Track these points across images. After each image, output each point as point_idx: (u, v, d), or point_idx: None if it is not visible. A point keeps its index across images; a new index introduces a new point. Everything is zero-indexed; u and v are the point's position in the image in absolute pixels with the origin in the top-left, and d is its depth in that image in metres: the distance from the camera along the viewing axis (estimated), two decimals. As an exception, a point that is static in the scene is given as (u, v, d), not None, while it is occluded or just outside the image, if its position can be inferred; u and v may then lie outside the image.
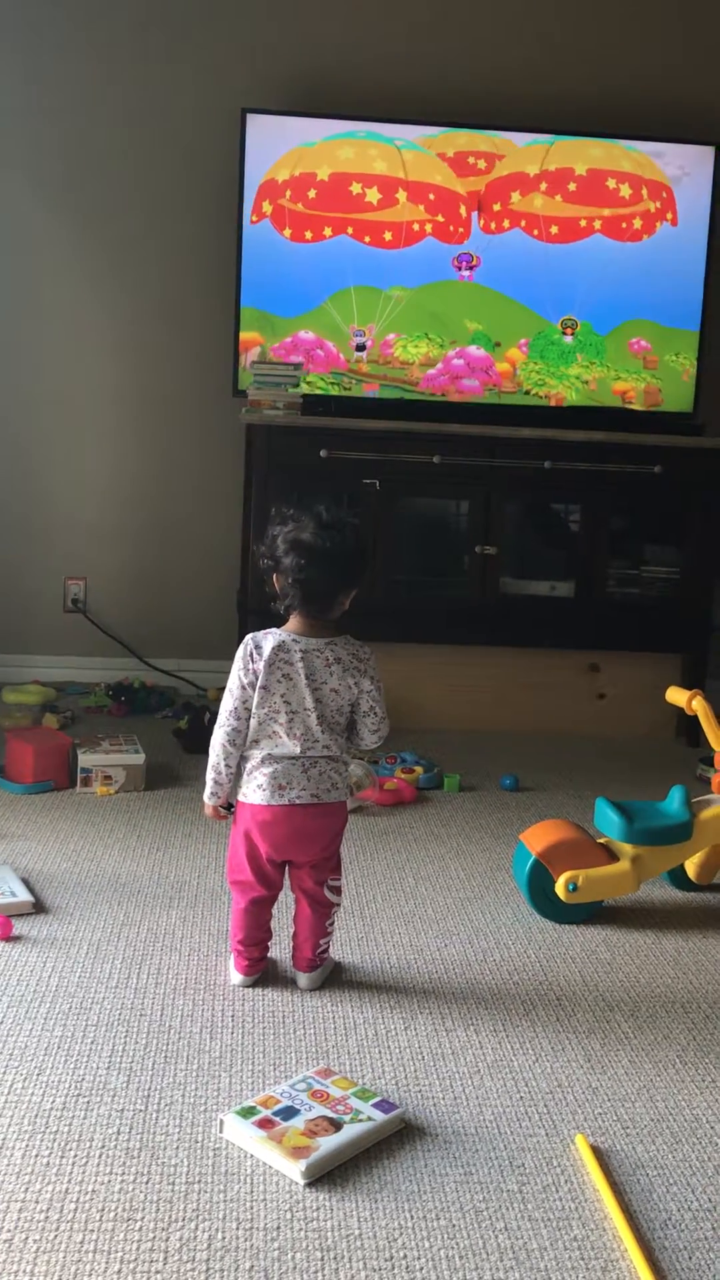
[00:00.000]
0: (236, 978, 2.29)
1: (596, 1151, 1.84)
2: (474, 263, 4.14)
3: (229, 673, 2.26)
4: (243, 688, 2.22)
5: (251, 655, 2.21)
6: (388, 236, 4.09)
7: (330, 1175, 1.75)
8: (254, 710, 2.21)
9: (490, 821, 3.25)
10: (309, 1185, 1.72)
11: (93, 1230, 1.61)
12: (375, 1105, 1.88)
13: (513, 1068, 2.06)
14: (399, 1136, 1.85)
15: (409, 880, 2.83)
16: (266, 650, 2.20)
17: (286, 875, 2.30)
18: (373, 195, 4.07)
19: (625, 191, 4.14)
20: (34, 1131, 1.81)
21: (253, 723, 2.22)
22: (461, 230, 4.12)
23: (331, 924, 2.32)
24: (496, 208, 4.11)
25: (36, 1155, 1.76)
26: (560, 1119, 1.93)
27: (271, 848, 2.22)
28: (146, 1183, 1.71)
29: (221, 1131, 1.83)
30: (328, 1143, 1.78)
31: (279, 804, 2.20)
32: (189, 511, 4.42)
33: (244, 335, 4.12)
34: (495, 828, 3.20)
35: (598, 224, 4.15)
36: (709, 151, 4.16)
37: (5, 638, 4.40)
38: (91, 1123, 1.84)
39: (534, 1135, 1.88)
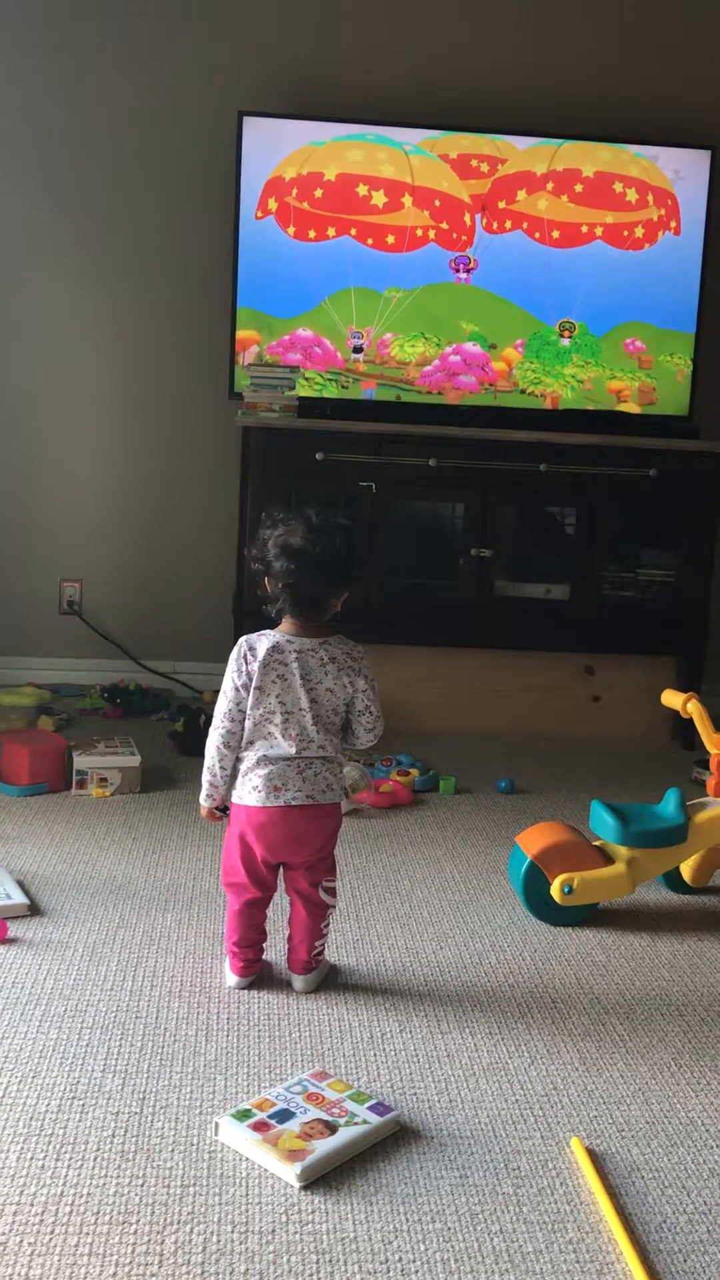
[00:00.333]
0: (232, 980, 2.29)
1: (592, 1154, 1.84)
2: (471, 265, 4.15)
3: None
4: (237, 690, 2.22)
5: (245, 657, 2.22)
6: (390, 240, 4.10)
7: (326, 1178, 1.75)
8: (249, 712, 2.21)
9: (486, 824, 3.25)
10: (304, 1188, 1.72)
11: (88, 1233, 1.61)
12: (370, 1108, 1.88)
13: (508, 1070, 2.07)
14: (394, 1139, 1.85)
15: (404, 883, 2.83)
16: (261, 652, 2.20)
17: (281, 877, 2.30)
18: (379, 198, 4.08)
19: (632, 196, 4.14)
20: (29, 1134, 1.81)
21: (248, 724, 2.22)
22: (465, 238, 4.13)
23: (326, 926, 2.32)
24: (502, 205, 4.12)
25: (31, 1158, 1.76)
26: (555, 1122, 1.93)
27: (266, 849, 2.22)
28: (142, 1185, 1.71)
29: (217, 1134, 1.83)
30: (323, 1145, 1.78)
31: (274, 805, 2.20)
32: (185, 514, 4.42)
33: (241, 333, 4.12)
34: (491, 830, 3.20)
35: (599, 230, 4.15)
36: (705, 155, 4.16)
37: (0, 640, 4.40)
38: (87, 1125, 1.84)
39: (529, 1138, 1.88)
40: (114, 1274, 1.54)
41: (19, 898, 2.55)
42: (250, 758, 2.22)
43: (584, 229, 4.16)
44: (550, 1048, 2.15)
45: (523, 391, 4.23)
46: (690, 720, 2.83)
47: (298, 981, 2.30)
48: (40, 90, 4.14)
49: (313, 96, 4.15)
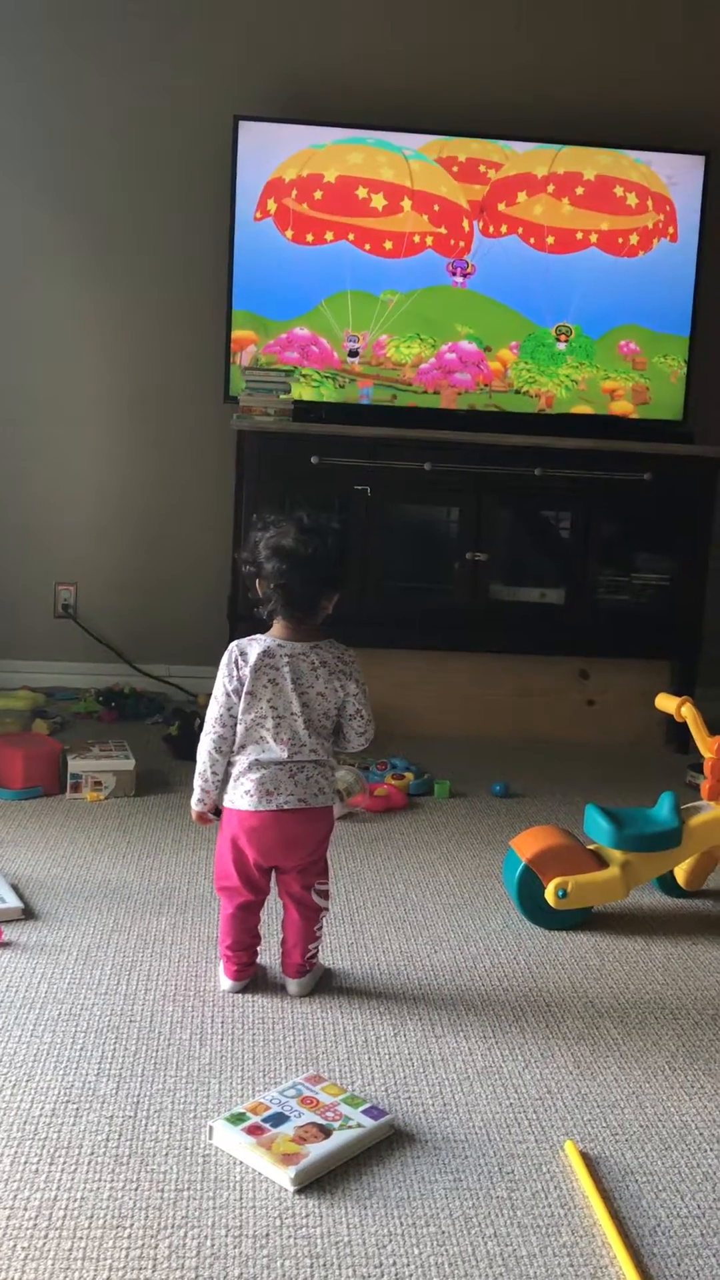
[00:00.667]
0: (226, 983, 2.29)
1: (586, 1158, 1.84)
2: (469, 270, 4.15)
3: (218, 679, 2.26)
4: (228, 694, 2.22)
5: (236, 662, 2.22)
6: (388, 245, 4.10)
7: (320, 1182, 1.75)
8: (240, 716, 2.21)
9: (480, 828, 3.25)
10: (298, 1192, 1.72)
11: (81, 1237, 1.61)
12: (365, 1112, 1.88)
13: (502, 1074, 2.07)
14: (388, 1143, 1.85)
15: (399, 886, 2.83)
16: (252, 657, 2.21)
17: (274, 880, 2.30)
18: (378, 201, 4.08)
19: (632, 200, 4.15)
20: (23, 1138, 1.81)
21: (239, 729, 2.22)
22: (463, 245, 4.13)
23: (320, 929, 2.32)
24: (501, 206, 4.12)
25: (25, 1162, 1.75)
26: (549, 1125, 1.93)
27: (258, 853, 2.23)
28: (136, 1189, 1.71)
29: (211, 1138, 1.82)
30: (317, 1149, 1.77)
31: (266, 809, 2.20)
32: (180, 517, 4.42)
33: (237, 333, 4.12)
34: (485, 834, 3.20)
35: (594, 238, 4.16)
36: (699, 160, 4.17)
37: (-5, 643, 4.40)
38: (81, 1129, 1.84)
39: (523, 1142, 1.88)
40: (108, 1278, 1.54)
41: (13, 901, 2.55)
42: (242, 762, 2.23)
43: (579, 235, 4.17)
44: (544, 1051, 2.15)
45: (517, 391, 4.24)
46: (684, 724, 2.83)
47: (292, 985, 2.30)
48: (40, 90, 4.15)
49: (312, 98, 4.15)
